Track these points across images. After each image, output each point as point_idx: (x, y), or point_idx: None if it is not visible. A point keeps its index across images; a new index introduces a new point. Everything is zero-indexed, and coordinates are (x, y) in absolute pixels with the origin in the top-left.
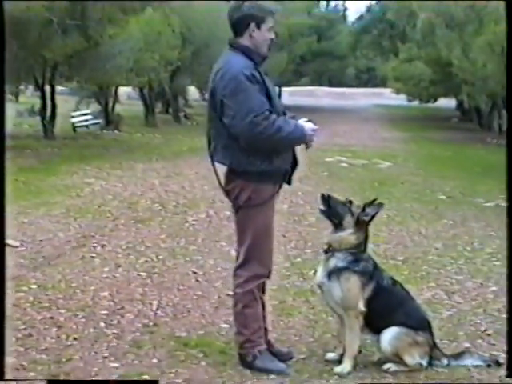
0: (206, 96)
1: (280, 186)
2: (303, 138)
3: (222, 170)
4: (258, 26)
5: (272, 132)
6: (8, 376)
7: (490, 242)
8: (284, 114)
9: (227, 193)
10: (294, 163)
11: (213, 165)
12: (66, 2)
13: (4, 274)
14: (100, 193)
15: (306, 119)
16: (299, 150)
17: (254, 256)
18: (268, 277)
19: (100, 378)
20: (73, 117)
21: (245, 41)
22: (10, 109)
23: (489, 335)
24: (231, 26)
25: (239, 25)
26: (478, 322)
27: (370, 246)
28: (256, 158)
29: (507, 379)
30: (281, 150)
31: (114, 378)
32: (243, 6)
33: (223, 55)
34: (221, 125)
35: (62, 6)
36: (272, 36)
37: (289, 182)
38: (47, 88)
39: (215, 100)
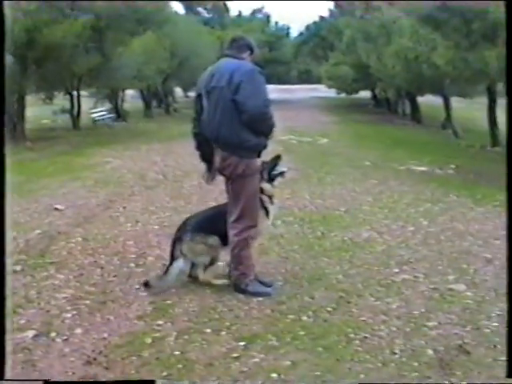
0: (189, 94)
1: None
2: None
3: (217, 152)
4: (250, 54)
5: (270, 116)
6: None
7: (406, 195)
8: None
9: (223, 168)
10: None
11: (204, 145)
12: (90, 30)
13: (4, 273)
14: (117, 168)
15: None
16: None
17: (247, 213)
18: (256, 227)
19: (133, 311)
20: (92, 113)
21: (243, 56)
22: (47, 109)
23: (411, 262)
24: (235, 46)
25: (242, 47)
26: (403, 253)
27: (320, 202)
28: (250, 135)
29: (507, 379)
30: (267, 130)
31: (147, 307)
32: (246, 38)
33: (226, 61)
34: (232, 106)
35: (87, 33)
36: None
37: (259, 156)
38: (74, 93)
39: (232, 85)
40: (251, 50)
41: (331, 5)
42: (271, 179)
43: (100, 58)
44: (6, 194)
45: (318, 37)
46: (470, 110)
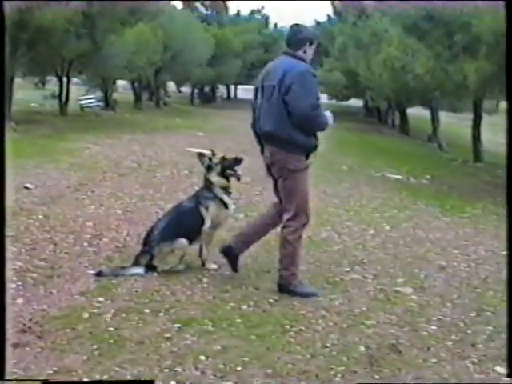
0: (182, 89)
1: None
2: (327, 124)
3: (266, 148)
4: (310, 45)
5: (319, 116)
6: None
7: (374, 201)
8: None
9: (272, 164)
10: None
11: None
12: (81, 16)
13: (4, 273)
14: (95, 154)
15: (328, 111)
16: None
17: (302, 210)
18: (308, 224)
19: (77, 287)
20: (80, 100)
21: (300, 53)
22: (38, 94)
23: (364, 263)
24: (292, 41)
25: (299, 42)
26: (358, 254)
27: None
28: (300, 134)
29: (507, 379)
30: (316, 130)
31: (91, 284)
32: (303, 30)
33: (283, 59)
34: (282, 104)
35: (78, 19)
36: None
37: (307, 157)
38: (64, 79)
39: (283, 85)
40: (310, 42)
41: (330, 10)
42: (224, 176)
43: (91, 44)
44: (5, 191)
45: None
46: (460, 125)
